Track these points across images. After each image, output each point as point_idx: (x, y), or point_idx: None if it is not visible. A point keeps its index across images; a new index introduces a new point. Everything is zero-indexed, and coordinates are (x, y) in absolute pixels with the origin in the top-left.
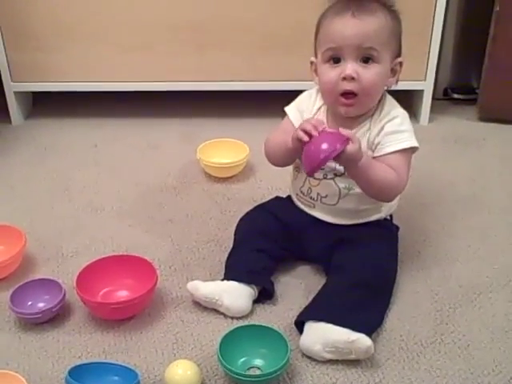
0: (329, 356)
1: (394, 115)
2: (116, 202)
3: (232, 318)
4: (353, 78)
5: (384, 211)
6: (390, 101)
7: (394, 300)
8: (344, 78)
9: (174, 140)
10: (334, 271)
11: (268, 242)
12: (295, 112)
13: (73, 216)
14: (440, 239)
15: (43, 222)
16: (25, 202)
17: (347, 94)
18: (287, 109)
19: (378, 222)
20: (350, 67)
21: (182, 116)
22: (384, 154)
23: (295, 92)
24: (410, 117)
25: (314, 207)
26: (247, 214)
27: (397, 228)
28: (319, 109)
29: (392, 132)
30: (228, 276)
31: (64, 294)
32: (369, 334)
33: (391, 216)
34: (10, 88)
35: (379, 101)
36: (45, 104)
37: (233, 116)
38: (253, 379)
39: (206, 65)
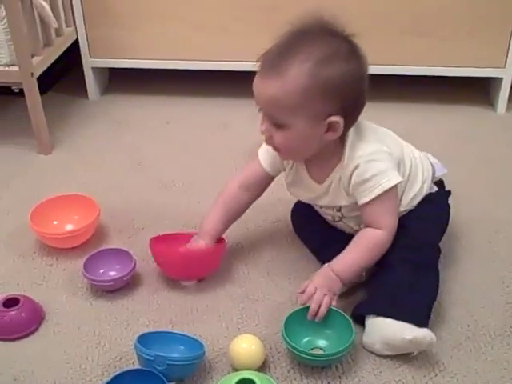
0: (390, 353)
1: (356, 163)
2: (186, 178)
3: (296, 298)
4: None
5: (403, 205)
6: (353, 143)
7: (463, 289)
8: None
9: (244, 120)
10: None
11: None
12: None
13: (144, 190)
14: None
15: (116, 194)
16: (99, 175)
17: None
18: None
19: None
20: (261, 126)
21: (253, 96)
22: (364, 204)
23: None
24: (487, 105)
25: (337, 223)
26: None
27: (446, 193)
28: None
29: (360, 183)
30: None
31: (135, 264)
32: (426, 315)
33: (442, 181)
34: (89, 64)
35: (340, 145)
36: (120, 80)
37: None
38: (316, 358)
39: None
